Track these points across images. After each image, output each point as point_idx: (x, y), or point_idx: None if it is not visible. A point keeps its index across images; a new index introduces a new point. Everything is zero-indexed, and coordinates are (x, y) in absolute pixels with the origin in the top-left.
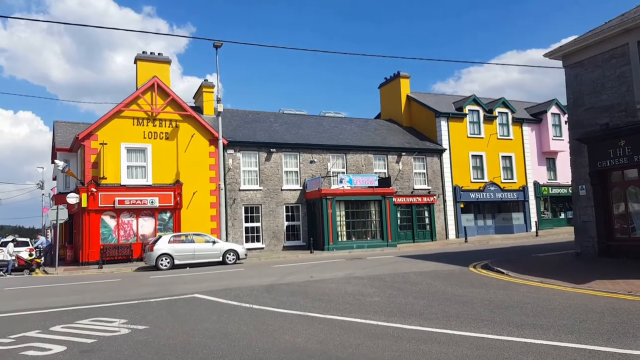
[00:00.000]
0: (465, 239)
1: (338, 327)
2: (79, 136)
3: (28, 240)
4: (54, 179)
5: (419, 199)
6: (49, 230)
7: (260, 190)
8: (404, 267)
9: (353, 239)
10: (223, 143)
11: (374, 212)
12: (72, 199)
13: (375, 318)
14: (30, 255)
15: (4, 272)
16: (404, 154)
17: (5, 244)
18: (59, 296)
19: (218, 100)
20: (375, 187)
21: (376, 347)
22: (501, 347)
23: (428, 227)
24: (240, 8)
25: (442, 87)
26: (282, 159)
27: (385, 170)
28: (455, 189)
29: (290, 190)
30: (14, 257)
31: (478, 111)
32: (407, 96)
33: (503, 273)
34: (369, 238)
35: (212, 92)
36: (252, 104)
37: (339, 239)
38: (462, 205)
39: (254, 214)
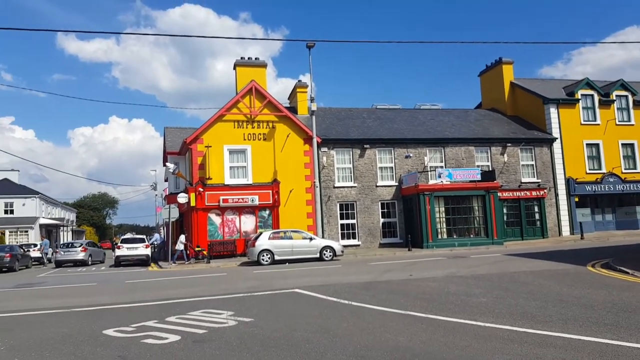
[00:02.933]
0: (581, 235)
1: (442, 327)
2: (186, 140)
3: (144, 237)
4: (166, 180)
5: (528, 193)
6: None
7: (354, 187)
8: (512, 266)
9: (454, 237)
10: (317, 141)
11: (477, 207)
12: (182, 198)
13: (482, 319)
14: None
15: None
16: (509, 145)
17: (126, 241)
18: (173, 289)
19: (311, 100)
20: (478, 181)
21: (485, 350)
22: (629, 355)
23: (538, 223)
24: (331, 9)
25: (550, 71)
26: (376, 155)
27: (489, 163)
28: (568, 181)
29: (385, 186)
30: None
31: (592, 95)
32: (511, 83)
33: (627, 273)
34: (472, 235)
35: (306, 92)
36: (344, 102)
37: (439, 237)
38: (576, 199)
39: (349, 211)
